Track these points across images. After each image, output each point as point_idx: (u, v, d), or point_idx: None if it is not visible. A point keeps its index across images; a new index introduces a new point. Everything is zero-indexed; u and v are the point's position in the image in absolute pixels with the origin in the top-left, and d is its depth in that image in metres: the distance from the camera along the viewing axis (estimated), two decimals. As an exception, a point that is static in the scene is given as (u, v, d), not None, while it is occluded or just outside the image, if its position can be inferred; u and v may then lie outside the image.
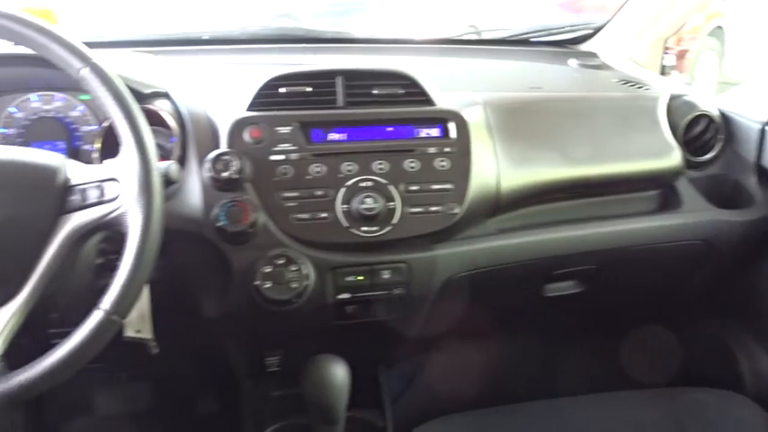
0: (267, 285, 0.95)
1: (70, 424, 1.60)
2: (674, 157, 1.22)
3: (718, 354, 1.44)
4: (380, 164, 1.02)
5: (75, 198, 0.77)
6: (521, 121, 1.15)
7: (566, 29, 1.80)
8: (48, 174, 0.77)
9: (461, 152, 1.04)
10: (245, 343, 1.16)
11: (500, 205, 1.10)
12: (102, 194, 0.76)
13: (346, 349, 1.10)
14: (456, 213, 1.02)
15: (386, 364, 1.38)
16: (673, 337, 1.52)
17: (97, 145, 1.08)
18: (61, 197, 0.77)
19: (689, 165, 1.26)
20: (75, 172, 0.79)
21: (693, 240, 1.25)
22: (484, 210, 1.09)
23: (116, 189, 0.76)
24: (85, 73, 0.77)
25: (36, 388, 0.71)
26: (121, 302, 0.73)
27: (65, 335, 0.81)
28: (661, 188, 1.28)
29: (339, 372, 1.05)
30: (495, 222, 1.13)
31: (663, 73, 1.66)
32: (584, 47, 1.72)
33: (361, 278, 1.02)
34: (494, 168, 1.08)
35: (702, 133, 1.28)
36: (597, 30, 1.70)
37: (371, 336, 1.15)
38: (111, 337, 0.75)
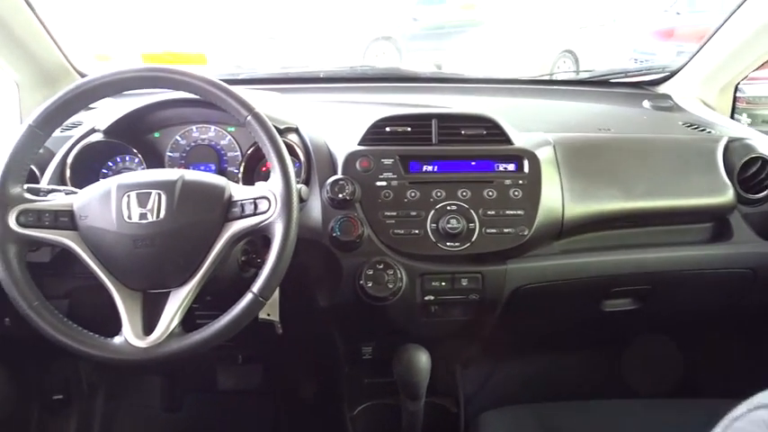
0: (369, 284, 1.10)
1: (195, 395, 1.84)
2: (727, 195, 1.30)
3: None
4: (464, 192, 1.15)
5: (236, 210, 0.94)
6: (586, 160, 1.26)
7: (643, 71, 1.90)
8: (218, 191, 0.96)
9: (532, 185, 1.16)
10: (347, 332, 1.32)
11: (564, 230, 1.20)
12: (255, 208, 0.94)
13: (429, 344, 1.23)
14: (525, 235, 1.14)
15: (462, 363, 1.50)
16: (728, 348, 1.57)
17: (241, 168, 1.29)
18: (226, 209, 0.94)
19: (743, 201, 1.34)
20: (236, 190, 0.97)
21: (741, 269, 1.33)
22: (550, 233, 1.19)
23: (266, 204, 0.94)
24: (250, 119, 0.96)
25: (207, 344, 0.91)
26: (267, 287, 0.92)
27: (209, 315, 0.99)
28: (714, 221, 1.36)
29: (423, 357, 1.19)
30: (560, 244, 1.25)
31: (733, 115, 1.72)
32: (660, 89, 1.80)
33: (443, 284, 1.15)
34: (559, 199, 1.19)
35: (757, 174, 1.36)
36: (674, 73, 1.77)
37: (450, 334, 1.28)
38: (256, 314, 0.94)
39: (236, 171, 1.29)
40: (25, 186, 0.98)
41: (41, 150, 1.22)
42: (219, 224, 0.94)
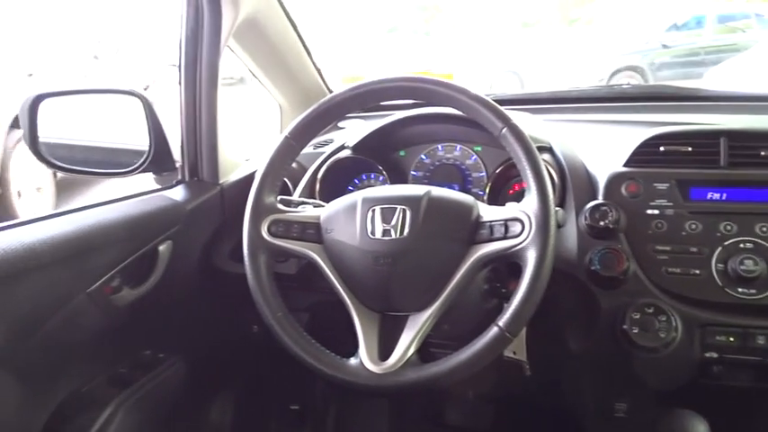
0: (635, 330, 0.98)
1: (420, 426, 1.78)
2: None
3: None
4: (764, 226, 0.99)
5: (484, 232, 0.88)
6: None
7: None
8: (466, 210, 0.90)
9: None
10: (600, 383, 1.19)
11: None
12: (506, 231, 0.86)
13: (703, 412, 1.06)
14: None
15: None
16: None
17: (486, 190, 1.23)
18: (473, 230, 0.89)
19: None
20: (484, 210, 0.91)
21: None
22: None
23: (518, 227, 0.86)
24: (506, 131, 0.89)
25: (445, 379, 0.84)
26: (515, 322, 0.83)
27: (443, 345, 0.94)
28: None
29: (701, 429, 1.03)
30: None
31: None
32: None
33: (731, 339, 0.99)
34: None
35: None
36: None
37: (735, 403, 1.09)
38: (501, 351, 0.86)
39: (482, 193, 1.25)
40: (278, 198, 1.01)
41: (295, 165, 1.31)
42: (465, 246, 0.89)
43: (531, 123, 1.27)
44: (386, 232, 0.90)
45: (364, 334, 0.90)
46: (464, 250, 0.88)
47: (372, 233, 0.91)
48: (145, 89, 3.83)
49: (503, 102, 1.61)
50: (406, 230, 0.89)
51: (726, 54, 7.04)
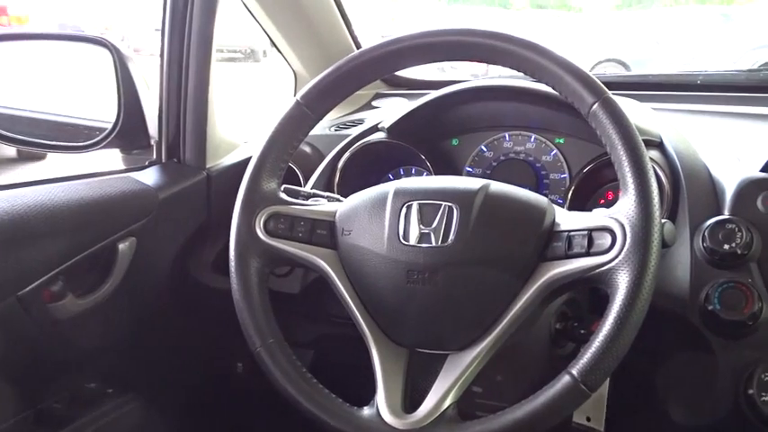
0: (765, 398, 0.96)
1: None
2: None
3: None
4: None
5: (560, 245, 0.86)
6: None
7: None
8: (537, 214, 0.89)
9: None
10: None
11: None
12: (590, 245, 0.84)
13: None
14: None
15: None
16: None
17: (568, 195, 1.22)
18: (546, 242, 0.87)
19: None
20: (562, 216, 0.90)
21: None
22: None
23: (607, 240, 0.84)
24: (598, 107, 0.87)
25: None
26: (594, 371, 0.80)
27: (493, 408, 0.90)
28: None
29: None
30: None
31: None
32: None
33: None
34: None
35: None
36: None
37: None
38: (574, 409, 0.84)
39: (561, 201, 1.26)
40: (282, 186, 1.02)
41: (309, 149, 1.34)
42: (532, 263, 0.88)
43: (636, 111, 1.27)
44: (424, 237, 0.90)
45: (385, 375, 0.90)
46: (530, 268, 0.88)
47: (405, 238, 0.91)
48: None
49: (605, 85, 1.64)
50: (452, 236, 0.89)
51: None
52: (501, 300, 0.88)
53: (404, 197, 0.93)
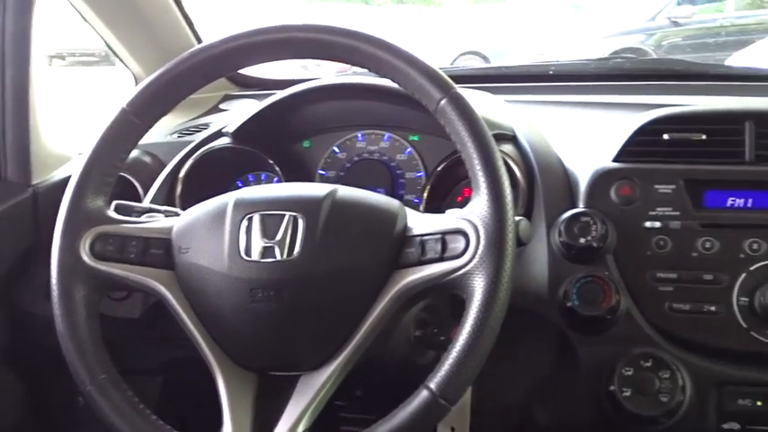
0: (626, 393, 0.97)
1: None
2: None
3: None
4: None
5: (413, 251, 0.85)
6: None
7: None
8: (388, 220, 0.87)
9: None
10: None
11: None
12: (443, 249, 0.83)
13: None
14: None
15: None
16: None
17: (424, 195, 1.22)
18: (398, 248, 0.86)
19: None
20: (415, 220, 0.88)
21: None
22: None
23: (461, 243, 0.83)
24: (446, 103, 0.86)
25: None
26: (453, 384, 0.79)
27: (357, 421, 0.90)
28: None
29: None
30: None
31: None
32: None
33: (759, 403, 1.00)
34: None
35: None
36: None
37: None
38: (435, 424, 0.83)
39: (417, 200, 1.25)
40: (113, 203, 0.98)
41: (149, 159, 1.30)
42: (385, 271, 0.86)
43: (488, 104, 1.28)
44: (267, 251, 0.87)
45: (232, 403, 0.87)
46: (383, 278, 0.86)
47: (248, 253, 0.87)
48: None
49: (455, 78, 1.65)
50: (298, 249, 0.86)
51: (753, 35, 7.41)
52: (353, 313, 0.86)
53: (245, 208, 0.89)
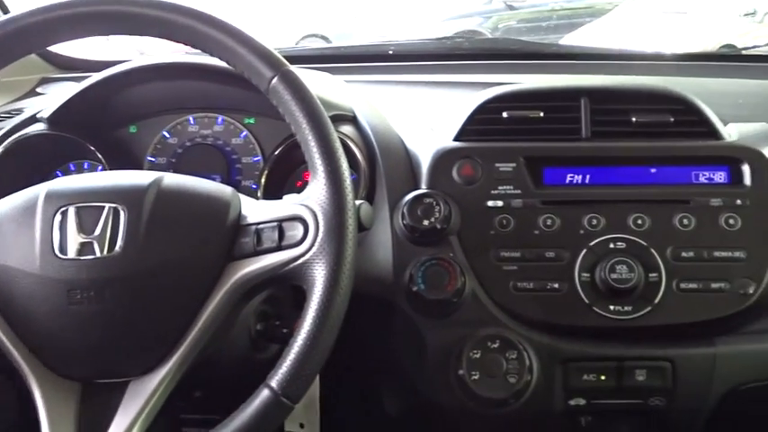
0: (475, 377, 0.98)
1: None
2: None
3: None
4: (639, 218, 1.04)
5: (248, 241, 0.83)
6: None
7: None
8: (220, 208, 0.84)
9: (760, 206, 1.04)
10: None
11: None
12: (281, 238, 0.82)
13: None
14: (750, 294, 1.01)
15: None
16: None
17: (261, 180, 1.20)
18: (232, 239, 0.83)
19: None
20: (249, 208, 0.86)
21: None
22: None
23: (299, 231, 0.81)
24: (277, 82, 0.84)
25: None
26: (295, 380, 0.77)
27: (200, 422, 0.85)
28: None
29: None
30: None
31: None
32: None
33: (603, 378, 1.03)
34: None
35: None
36: None
37: None
38: (279, 423, 0.80)
39: (254, 186, 1.24)
40: None
41: None
42: (218, 264, 0.84)
43: (325, 84, 1.27)
44: (85, 248, 0.81)
45: (52, 418, 0.81)
46: (216, 271, 0.84)
47: (63, 251, 0.82)
48: None
49: (293, 59, 1.64)
50: (119, 244, 0.81)
51: (582, 18, 7.81)
52: (185, 311, 0.83)
53: (58, 200, 0.84)
